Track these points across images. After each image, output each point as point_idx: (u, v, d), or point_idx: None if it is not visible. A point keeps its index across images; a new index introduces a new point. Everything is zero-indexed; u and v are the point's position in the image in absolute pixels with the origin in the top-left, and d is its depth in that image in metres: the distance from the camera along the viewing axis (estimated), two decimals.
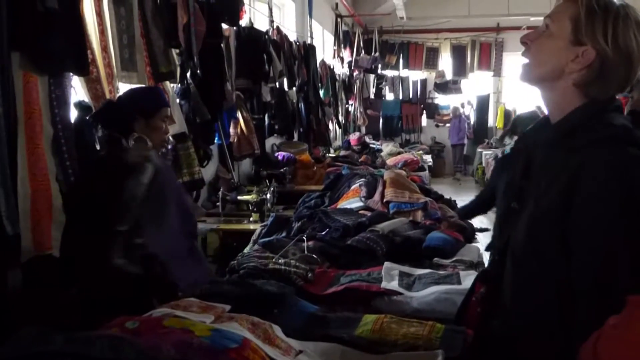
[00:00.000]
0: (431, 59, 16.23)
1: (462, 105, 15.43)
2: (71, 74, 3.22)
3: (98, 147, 3.19)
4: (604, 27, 1.42)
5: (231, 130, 5.87)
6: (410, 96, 16.56)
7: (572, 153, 1.39)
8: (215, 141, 5.49)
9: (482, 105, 16.18)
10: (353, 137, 10.28)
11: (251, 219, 4.71)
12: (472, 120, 16.10)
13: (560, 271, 1.36)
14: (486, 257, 2.36)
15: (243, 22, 5.93)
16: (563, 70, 1.48)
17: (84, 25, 3.30)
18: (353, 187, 4.52)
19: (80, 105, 3.32)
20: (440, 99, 16.55)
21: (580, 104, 1.48)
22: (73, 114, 3.27)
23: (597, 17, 1.43)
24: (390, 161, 7.94)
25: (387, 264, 2.75)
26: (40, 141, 2.96)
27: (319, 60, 9.49)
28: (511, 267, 1.50)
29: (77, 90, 3.36)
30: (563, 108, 1.50)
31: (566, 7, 1.49)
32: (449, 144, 15.76)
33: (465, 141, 14.99)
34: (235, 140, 5.91)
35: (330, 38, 12.28)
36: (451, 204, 4.69)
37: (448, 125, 15.82)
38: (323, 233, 3.34)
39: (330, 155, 8.83)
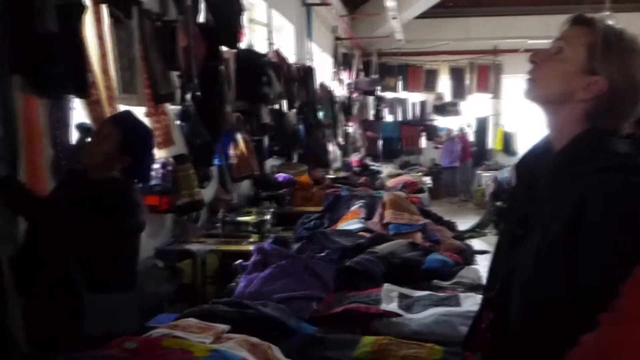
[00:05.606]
0: (430, 81, 16.30)
1: (461, 129, 15.37)
2: (72, 96, 3.24)
3: None
4: (618, 59, 1.42)
5: (230, 151, 5.89)
6: (410, 118, 16.61)
7: (576, 180, 1.38)
8: (215, 162, 5.50)
9: (481, 128, 16.23)
10: (354, 159, 10.30)
11: (250, 239, 4.71)
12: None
13: (568, 298, 1.35)
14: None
15: (242, 45, 5.98)
16: (572, 96, 1.47)
17: (85, 48, 3.33)
18: (352, 208, 4.53)
19: (80, 127, 3.34)
20: (439, 121, 16.59)
21: (582, 130, 1.47)
22: (74, 136, 3.29)
23: (613, 48, 1.43)
24: (389, 183, 7.95)
25: (386, 286, 2.75)
26: (41, 163, 2.98)
27: (318, 82, 9.54)
28: (519, 294, 1.48)
29: (78, 112, 3.38)
30: (566, 133, 1.49)
31: (581, 33, 1.47)
32: None
33: (457, 164, 14.93)
34: (235, 161, 5.92)
35: (329, 60, 12.36)
36: (450, 225, 4.70)
37: None
38: (322, 254, 3.34)
39: (329, 176, 8.83)
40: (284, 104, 7.45)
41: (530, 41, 12.49)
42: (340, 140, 11.72)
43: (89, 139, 2.93)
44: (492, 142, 16.32)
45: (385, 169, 9.87)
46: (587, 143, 1.45)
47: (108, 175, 2.70)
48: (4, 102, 2.64)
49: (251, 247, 3.51)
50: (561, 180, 1.44)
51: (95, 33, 3.53)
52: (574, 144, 1.47)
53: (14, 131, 2.75)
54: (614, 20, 1.49)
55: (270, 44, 7.48)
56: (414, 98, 16.64)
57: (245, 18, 6.08)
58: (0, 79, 2.62)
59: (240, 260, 3.27)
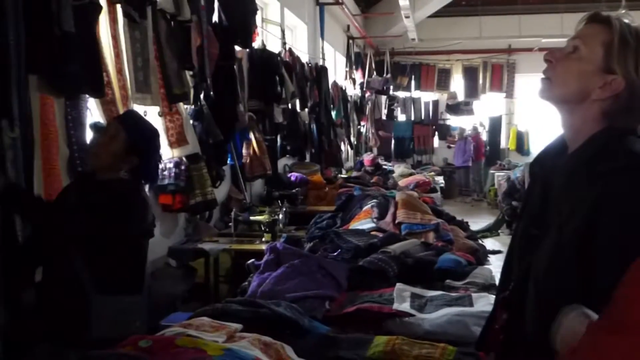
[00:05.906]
0: (443, 80, 16.25)
1: (475, 129, 15.26)
2: (87, 95, 3.27)
3: None
4: (635, 57, 1.42)
5: (243, 151, 5.91)
6: (422, 117, 16.54)
7: (594, 180, 1.37)
8: (228, 162, 5.52)
9: (495, 127, 16.16)
10: (367, 158, 10.29)
11: (263, 239, 4.71)
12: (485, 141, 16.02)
13: (583, 299, 1.34)
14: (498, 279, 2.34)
15: (256, 44, 5.99)
16: (588, 95, 1.45)
17: (100, 48, 3.36)
18: (365, 208, 4.53)
19: (95, 127, 3.36)
20: (452, 120, 16.53)
21: (599, 129, 1.46)
22: (89, 135, 3.32)
23: (630, 46, 1.42)
24: (402, 182, 7.94)
25: (398, 286, 2.74)
26: (56, 162, 3.00)
27: (330, 81, 9.54)
28: (534, 294, 1.47)
29: (93, 112, 3.41)
30: (583, 133, 1.48)
31: (597, 32, 1.46)
32: None
33: (470, 163, 14.83)
34: (248, 161, 5.94)
35: (342, 59, 12.35)
36: (463, 225, 4.69)
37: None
38: (335, 254, 3.34)
39: (342, 176, 8.83)
40: (297, 103, 7.45)
41: (544, 40, 12.45)
42: (353, 139, 11.72)
43: (96, 140, 2.93)
44: (506, 141, 16.26)
45: (398, 169, 9.86)
46: (604, 142, 1.44)
47: (116, 176, 2.68)
48: (20, 102, 2.67)
49: (264, 247, 3.52)
50: (577, 180, 1.42)
51: (110, 33, 3.55)
52: (590, 144, 1.46)
53: (30, 131, 2.78)
54: (630, 18, 1.48)
55: (284, 43, 7.49)
56: (426, 97, 16.60)
57: (258, 18, 6.10)
58: (17, 79, 2.64)
59: (252, 260, 3.28)
